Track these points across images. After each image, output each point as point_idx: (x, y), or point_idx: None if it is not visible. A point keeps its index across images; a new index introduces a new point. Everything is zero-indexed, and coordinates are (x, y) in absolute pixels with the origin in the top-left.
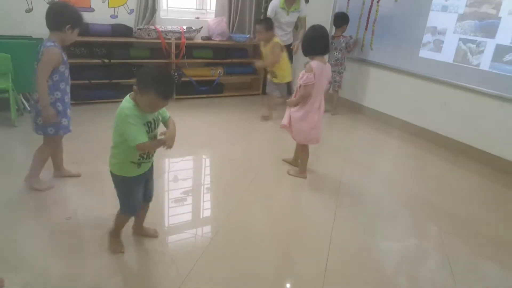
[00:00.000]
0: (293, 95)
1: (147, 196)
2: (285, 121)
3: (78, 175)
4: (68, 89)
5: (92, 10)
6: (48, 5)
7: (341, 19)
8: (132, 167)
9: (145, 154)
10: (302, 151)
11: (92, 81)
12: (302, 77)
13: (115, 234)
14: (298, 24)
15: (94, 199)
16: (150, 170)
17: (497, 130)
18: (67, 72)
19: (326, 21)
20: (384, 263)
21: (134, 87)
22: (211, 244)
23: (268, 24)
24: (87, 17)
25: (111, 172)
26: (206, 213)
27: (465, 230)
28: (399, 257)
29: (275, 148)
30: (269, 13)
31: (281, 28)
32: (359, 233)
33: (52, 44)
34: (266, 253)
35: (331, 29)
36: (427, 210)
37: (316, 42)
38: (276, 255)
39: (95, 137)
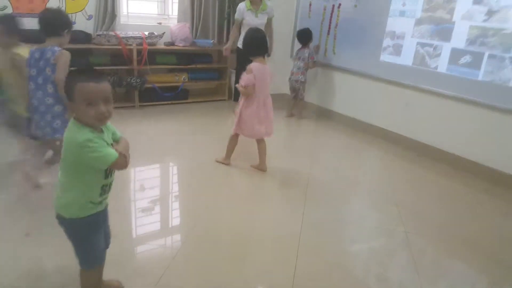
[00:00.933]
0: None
1: (107, 240)
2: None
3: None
4: None
5: None
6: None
7: (305, 37)
8: (90, 204)
9: (107, 186)
10: (231, 140)
11: None
12: (242, 79)
13: None
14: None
15: None
16: (107, 208)
17: (456, 130)
18: None
19: (289, 30)
20: (353, 265)
21: (70, 105)
22: (179, 254)
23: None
24: None
25: (60, 217)
26: (175, 221)
27: (429, 230)
28: (367, 258)
29: (242, 153)
30: (237, 16)
31: None
32: (327, 236)
33: (57, 47)
34: (236, 260)
35: (293, 40)
36: (393, 211)
37: (258, 44)
38: (246, 261)
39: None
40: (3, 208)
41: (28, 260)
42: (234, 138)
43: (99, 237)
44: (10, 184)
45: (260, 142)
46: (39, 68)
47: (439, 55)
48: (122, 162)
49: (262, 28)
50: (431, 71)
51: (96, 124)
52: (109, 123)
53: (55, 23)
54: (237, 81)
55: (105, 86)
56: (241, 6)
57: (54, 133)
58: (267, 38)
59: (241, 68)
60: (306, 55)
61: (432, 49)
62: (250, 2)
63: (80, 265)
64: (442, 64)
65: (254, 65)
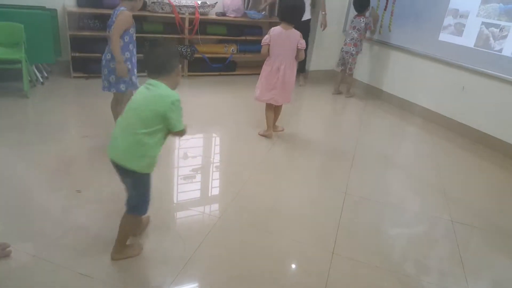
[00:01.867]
0: None
1: None
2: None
3: None
4: (135, 51)
5: None
6: None
7: (362, 3)
8: (156, 162)
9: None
10: (267, 109)
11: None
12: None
13: (124, 241)
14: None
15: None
16: None
17: None
18: (135, 36)
19: (343, 2)
20: (393, 249)
21: (163, 72)
22: (219, 223)
23: None
24: None
25: (131, 171)
26: (215, 191)
27: (476, 220)
28: (408, 243)
29: (287, 127)
30: None
31: None
32: (368, 218)
33: (124, 8)
34: (274, 234)
35: (347, 13)
36: (439, 198)
37: (286, 11)
38: (284, 235)
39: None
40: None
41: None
42: (266, 108)
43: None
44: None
45: (270, 108)
46: (109, 26)
47: (505, 36)
48: (183, 133)
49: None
50: (494, 54)
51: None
52: None
53: None
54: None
55: None
56: None
57: (110, 87)
58: (322, 9)
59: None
60: (362, 24)
61: (498, 30)
62: None
63: (135, 212)
64: (508, 47)
65: (274, 28)
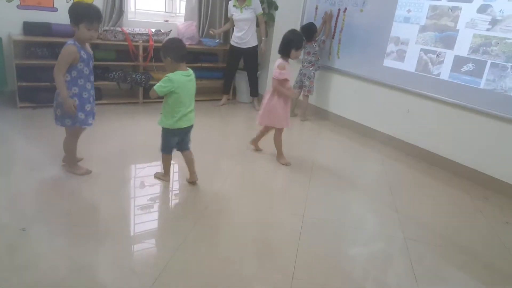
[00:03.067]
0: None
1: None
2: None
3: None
4: (88, 85)
5: (56, 10)
6: None
7: (309, 32)
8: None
9: None
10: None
11: (54, 83)
12: (282, 73)
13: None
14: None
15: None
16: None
17: (457, 137)
18: (86, 70)
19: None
20: (352, 269)
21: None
22: (176, 255)
23: None
24: (50, 17)
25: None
26: (174, 220)
27: (428, 236)
28: (366, 262)
29: (245, 151)
30: (228, 13)
31: (239, 26)
32: (326, 239)
33: (71, 42)
34: (233, 262)
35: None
36: (393, 216)
37: (285, 44)
38: (243, 261)
39: (51, 142)
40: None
41: None
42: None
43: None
44: None
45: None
46: None
47: (442, 62)
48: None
49: (248, 23)
50: (433, 78)
51: None
52: None
53: (71, 16)
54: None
55: None
56: (230, 3)
57: (56, 121)
58: (261, 35)
59: (230, 67)
60: (316, 48)
61: (435, 56)
62: None
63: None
64: (444, 71)
65: (286, 63)
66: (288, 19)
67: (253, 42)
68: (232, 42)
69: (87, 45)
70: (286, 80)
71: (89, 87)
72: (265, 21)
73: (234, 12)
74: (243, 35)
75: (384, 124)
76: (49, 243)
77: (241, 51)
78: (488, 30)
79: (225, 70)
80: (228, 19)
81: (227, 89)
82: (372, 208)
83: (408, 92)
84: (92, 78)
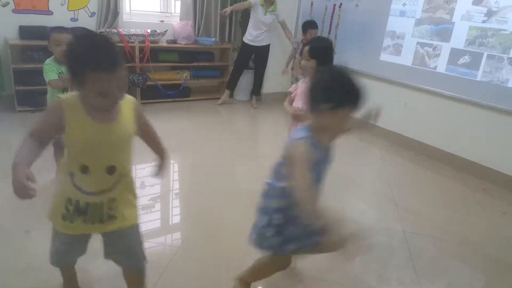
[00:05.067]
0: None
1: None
2: None
3: None
4: None
5: (51, 13)
6: None
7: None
8: None
9: None
10: None
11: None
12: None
13: None
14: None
15: None
16: None
17: (454, 130)
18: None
19: (291, 29)
20: (353, 263)
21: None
22: (178, 254)
23: None
24: (46, 21)
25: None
26: (175, 219)
27: (427, 229)
28: (367, 256)
29: (246, 151)
30: (252, 1)
31: (257, 26)
32: None
33: (48, 59)
34: (236, 262)
35: (296, 35)
36: (392, 210)
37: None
38: (247, 262)
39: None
40: None
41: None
42: None
43: None
44: None
45: None
46: None
47: (438, 55)
48: (55, 84)
49: (268, 27)
50: (430, 71)
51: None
52: None
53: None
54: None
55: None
56: None
57: None
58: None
59: (242, 64)
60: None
61: (431, 49)
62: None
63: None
64: (441, 64)
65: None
66: (284, 16)
67: (267, 41)
68: (245, 40)
69: None
70: None
71: None
72: None
73: (258, 10)
74: (261, 36)
75: (382, 118)
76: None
77: (254, 49)
78: (484, 22)
79: (235, 67)
80: (247, 3)
81: (232, 86)
82: (371, 201)
83: (406, 85)
84: None
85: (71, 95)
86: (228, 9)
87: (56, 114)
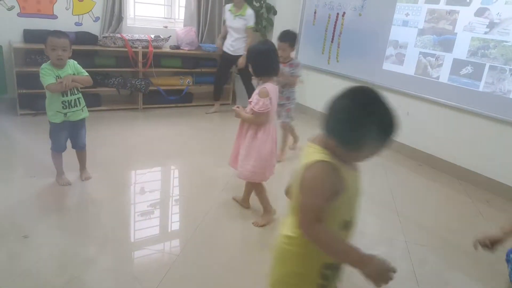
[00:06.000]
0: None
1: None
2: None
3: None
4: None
5: (56, 17)
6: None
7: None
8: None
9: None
10: (259, 191)
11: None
12: (257, 103)
13: None
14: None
15: None
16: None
17: (457, 140)
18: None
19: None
20: (354, 272)
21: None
22: (178, 260)
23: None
24: (50, 25)
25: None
26: (174, 226)
27: (429, 240)
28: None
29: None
30: (223, 17)
31: (230, 33)
32: None
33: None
34: (235, 269)
35: (298, 46)
36: (394, 220)
37: (269, 60)
38: (246, 269)
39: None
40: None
41: None
42: (259, 187)
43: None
44: None
45: (260, 185)
46: None
47: (441, 65)
48: (53, 88)
49: (239, 33)
50: (433, 81)
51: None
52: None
53: None
54: (217, 84)
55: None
56: (227, 7)
57: None
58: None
59: (221, 74)
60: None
61: (434, 59)
62: (233, 3)
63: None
64: (443, 74)
65: (269, 87)
66: (286, 24)
67: (243, 51)
68: (224, 48)
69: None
70: None
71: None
72: (264, 26)
73: (228, 18)
74: (234, 43)
75: None
76: (51, 250)
77: (233, 59)
78: (486, 33)
79: (216, 76)
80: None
81: (218, 96)
82: (373, 211)
83: (408, 95)
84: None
85: (323, 155)
86: (219, 42)
87: (331, 180)
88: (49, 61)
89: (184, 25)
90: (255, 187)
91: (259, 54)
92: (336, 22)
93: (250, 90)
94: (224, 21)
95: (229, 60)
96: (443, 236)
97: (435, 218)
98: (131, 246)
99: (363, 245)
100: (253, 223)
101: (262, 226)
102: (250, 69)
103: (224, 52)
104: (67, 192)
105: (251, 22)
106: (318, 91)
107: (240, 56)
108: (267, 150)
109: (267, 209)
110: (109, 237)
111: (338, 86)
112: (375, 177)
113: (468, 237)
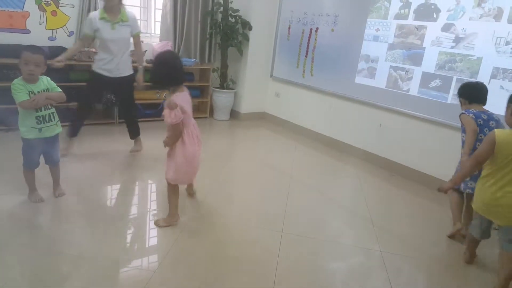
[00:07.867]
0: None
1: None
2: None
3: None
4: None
5: (28, 31)
6: None
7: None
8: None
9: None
10: (173, 192)
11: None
12: (169, 115)
13: None
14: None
15: None
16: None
17: (427, 150)
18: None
19: (269, 50)
20: (331, 283)
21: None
22: (154, 277)
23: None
24: (23, 39)
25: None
26: (152, 241)
27: (403, 249)
28: (345, 277)
29: (224, 171)
30: (86, 29)
31: (106, 48)
32: (305, 254)
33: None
34: (213, 285)
35: (273, 60)
36: (369, 230)
37: (173, 70)
38: (223, 283)
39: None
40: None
41: None
42: (176, 190)
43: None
44: None
45: (176, 188)
46: None
47: (411, 78)
48: (26, 105)
49: (122, 43)
50: (403, 94)
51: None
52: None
53: None
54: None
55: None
56: (92, 15)
57: None
58: (138, 58)
59: (91, 99)
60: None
61: (404, 72)
62: (105, 9)
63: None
64: (413, 87)
65: (177, 97)
66: (262, 39)
67: (128, 70)
68: (97, 69)
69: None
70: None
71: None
72: (240, 41)
73: (102, 28)
74: (114, 60)
75: (358, 139)
76: (22, 269)
77: (110, 82)
78: (452, 47)
79: (81, 104)
80: (83, 37)
81: (75, 131)
82: (348, 221)
83: (380, 107)
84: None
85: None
86: (62, 57)
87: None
88: (21, 76)
89: (161, 40)
90: (172, 187)
91: (165, 63)
92: (309, 37)
93: (134, 125)
94: (86, 35)
95: (105, 83)
96: (417, 245)
97: (408, 227)
98: (106, 263)
99: (339, 254)
100: (154, 222)
101: (161, 227)
102: (155, 82)
103: (98, 74)
104: (40, 209)
105: (137, 27)
106: (294, 104)
107: (125, 77)
108: (190, 152)
109: (173, 213)
110: (83, 254)
111: (312, 99)
112: (349, 188)
113: (441, 245)
